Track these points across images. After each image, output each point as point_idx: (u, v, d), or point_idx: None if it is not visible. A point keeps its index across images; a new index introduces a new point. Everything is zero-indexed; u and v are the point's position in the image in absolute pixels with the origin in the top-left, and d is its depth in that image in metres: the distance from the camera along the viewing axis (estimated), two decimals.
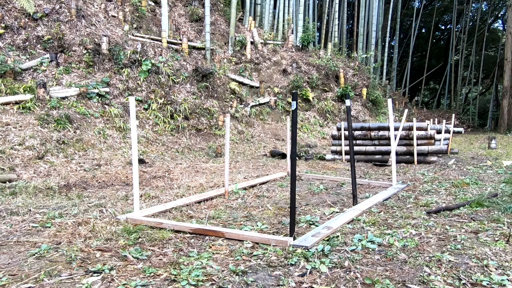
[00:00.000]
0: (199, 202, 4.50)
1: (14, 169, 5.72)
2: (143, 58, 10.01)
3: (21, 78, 8.18)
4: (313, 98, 13.88)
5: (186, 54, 11.68)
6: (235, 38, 13.41)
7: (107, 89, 8.94)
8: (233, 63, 13.03)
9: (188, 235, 3.29)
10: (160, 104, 9.58)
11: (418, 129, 8.15)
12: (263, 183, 5.79)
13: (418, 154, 8.03)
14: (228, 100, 11.61)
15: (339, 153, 8.76)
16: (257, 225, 3.57)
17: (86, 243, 3.04)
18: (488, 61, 26.56)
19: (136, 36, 11.00)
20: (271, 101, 12.91)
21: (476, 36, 24.35)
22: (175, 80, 10.45)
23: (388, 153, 8.16)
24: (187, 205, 4.31)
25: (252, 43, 14.11)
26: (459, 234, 3.29)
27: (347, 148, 8.53)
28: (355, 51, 18.13)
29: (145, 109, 9.39)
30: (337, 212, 4.14)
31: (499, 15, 28.85)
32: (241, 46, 13.50)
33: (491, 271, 2.56)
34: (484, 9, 26.59)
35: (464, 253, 2.88)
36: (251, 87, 12.89)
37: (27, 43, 8.90)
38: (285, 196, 4.93)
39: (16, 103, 7.33)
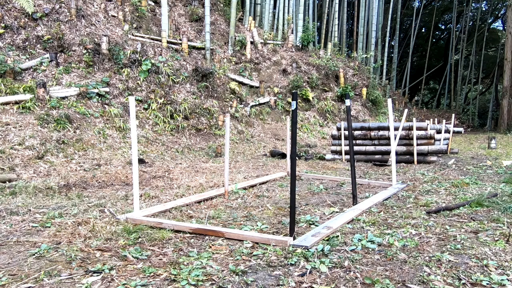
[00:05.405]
0: (199, 202, 4.50)
1: (14, 169, 5.72)
2: (143, 58, 10.01)
3: (21, 78, 8.18)
4: (313, 98, 13.88)
5: (186, 54, 11.67)
6: (235, 38, 13.40)
7: (107, 89, 8.94)
8: (233, 63, 13.02)
9: (188, 235, 3.29)
10: (160, 104, 9.58)
11: (418, 129, 8.15)
12: (263, 183, 5.79)
13: (418, 154, 8.04)
14: (228, 100, 11.61)
15: (339, 153, 8.76)
16: (257, 225, 3.57)
17: (86, 243, 3.04)
18: (488, 61, 26.57)
19: (136, 36, 11.00)
20: (271, 101, 12.91)
21: (476, 36, 24.35)
22: (175, 80, 10.45)
23: (388, 153, 8.16)
24: (187, 205, 4.31)
25: (252, 43, 14.11)
26: (459, 234, 3.29)
27: (347, 148, 8.53)
28: (355, 51, 18.12)
29: (145, 109, 9.39)
30: (337, 212, 4.14)
31: (499, 15, 28.86)
32: (241, 46, 13.49)
33: (491, 271, 2.56)
34: (484, 9, 26.60)
35: (464, 253, 2.88)
36: (251, 87, 12.89)
37: (27, 43, 8.90)
38: (285, 196, 4.93)
39: (16, 103, 7.33)
